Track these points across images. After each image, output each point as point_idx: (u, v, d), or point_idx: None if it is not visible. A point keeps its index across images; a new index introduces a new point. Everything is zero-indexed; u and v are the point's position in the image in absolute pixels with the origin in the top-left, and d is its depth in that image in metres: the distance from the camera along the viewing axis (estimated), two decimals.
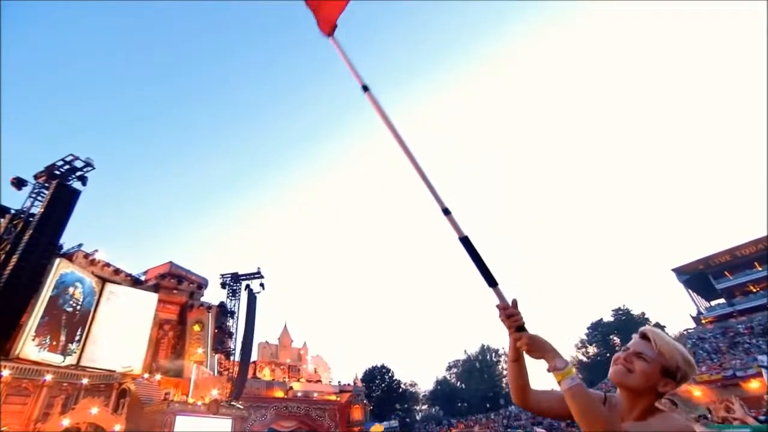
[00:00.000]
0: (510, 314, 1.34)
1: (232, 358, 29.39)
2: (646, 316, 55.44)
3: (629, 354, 1.32)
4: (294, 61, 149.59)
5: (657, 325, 55.17)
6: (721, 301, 38.51)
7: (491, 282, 1.36)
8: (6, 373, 17.58)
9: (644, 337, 1.33)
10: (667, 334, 1.42)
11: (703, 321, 37.69)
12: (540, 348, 1.29)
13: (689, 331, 37.62)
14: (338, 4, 2.10)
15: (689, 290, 40.40)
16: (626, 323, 52.65)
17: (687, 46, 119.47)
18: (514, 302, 1.36)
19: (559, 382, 1.22)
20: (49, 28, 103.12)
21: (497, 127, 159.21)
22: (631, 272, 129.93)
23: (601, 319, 57.29)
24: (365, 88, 1.80)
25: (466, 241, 1.41)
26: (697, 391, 24.00)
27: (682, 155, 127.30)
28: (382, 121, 1.71)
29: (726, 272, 37.53)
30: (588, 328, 58.19)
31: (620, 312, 56.52)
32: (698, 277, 39.28)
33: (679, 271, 40.54)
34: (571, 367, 1.20)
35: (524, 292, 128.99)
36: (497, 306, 1.36)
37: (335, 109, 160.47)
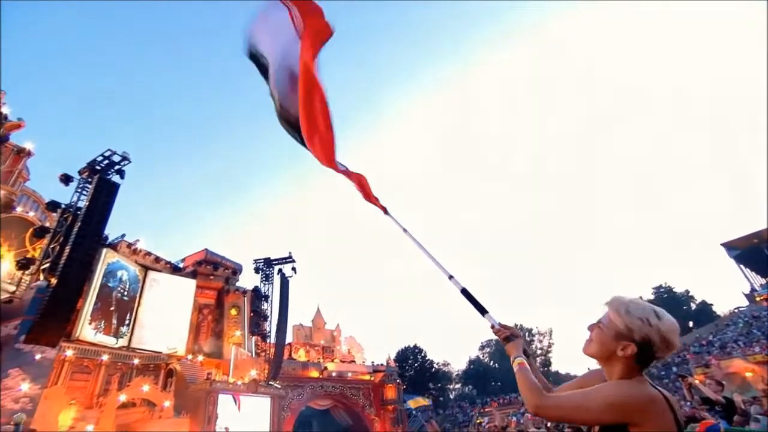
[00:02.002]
0: (496, 332, 1.69)
1: (268, 340, 30.57)
2: (690, 294, 52.47)
3: (592, 325, 1.39)
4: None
5: (703, 303, 52.18)
6: None
7: (482, 312, 1.79)
8: (70, 353, 19.39)
9: None
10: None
11: (758, 298, 35.04)
12: (511, 350, 1.56)
13: (741, 309, 35.15)
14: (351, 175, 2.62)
15: (741, 266, 37.61)
16: (668, 301, 49.83)
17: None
18: (500, 324, 1.71)
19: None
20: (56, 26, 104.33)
21: (522, 116, 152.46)
22: (674, 247, 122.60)
23: (641, 297, 54.58)
24: (385, 211, 2.31)
25: (465, 292, 1.86)
26: (749, 372, 22.73)
27: (730, 128, 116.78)
28: (403, 233, 2.16)
29: None
30: None
31: (662, 290, 53.78)
32: (752, 251, 36.37)
33: (730, 246, 37.73)
34: (522, 358, 1.47)
35: (567, 270, 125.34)
36: (490, 327, 1.74)
37: (362, 92, 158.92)
